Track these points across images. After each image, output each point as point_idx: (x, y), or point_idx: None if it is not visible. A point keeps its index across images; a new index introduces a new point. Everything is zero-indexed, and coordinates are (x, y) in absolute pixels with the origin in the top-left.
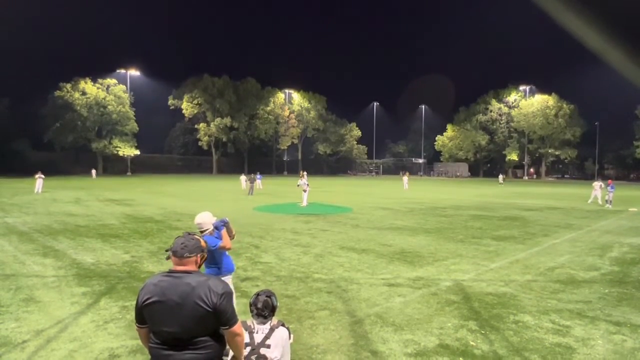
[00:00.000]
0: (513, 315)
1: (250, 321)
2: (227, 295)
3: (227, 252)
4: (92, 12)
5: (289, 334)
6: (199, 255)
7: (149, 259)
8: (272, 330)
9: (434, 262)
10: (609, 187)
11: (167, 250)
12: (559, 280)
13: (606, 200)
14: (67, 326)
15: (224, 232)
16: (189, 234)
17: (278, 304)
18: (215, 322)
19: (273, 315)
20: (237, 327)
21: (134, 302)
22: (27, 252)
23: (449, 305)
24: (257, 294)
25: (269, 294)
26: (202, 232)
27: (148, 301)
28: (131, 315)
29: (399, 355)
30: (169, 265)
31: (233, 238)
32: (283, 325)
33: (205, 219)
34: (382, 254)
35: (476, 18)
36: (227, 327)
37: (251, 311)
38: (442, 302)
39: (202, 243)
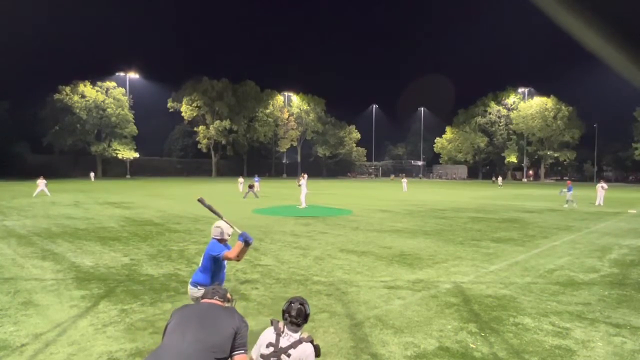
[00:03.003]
0: (513, 317)
1: (282, 324)
2: (247, 325)
3: (225, 265)
4: (92, 15)
5: (316, 352)
6: (225, 303)
7: (148, 262)
8: (299, 342)
9: (433, 264)
10: (567, 188)
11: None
12: (559, 282)
13: (567, 201)
14: (66, 330)
15: (238, 244)
16: (219, 284)
17: (310, 311)
18: (232, 343)
19: (305, 322)
20: (246, 357)
21: (133, 305)
22: (26, 255)
23: (449, 308)
24: (290, 302)
25: (302, 302)
26: (218, 240)
27: (177, 311)
28: (130, 318)
29: (398, 357)
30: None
31: (239, 259)
32: (312, 342)
33: (221, 229)
34: (382, 257)
35: (475, 20)
36: (241, 351)
37: (284, 319)
38: (442, 304)
39: (229, 296)
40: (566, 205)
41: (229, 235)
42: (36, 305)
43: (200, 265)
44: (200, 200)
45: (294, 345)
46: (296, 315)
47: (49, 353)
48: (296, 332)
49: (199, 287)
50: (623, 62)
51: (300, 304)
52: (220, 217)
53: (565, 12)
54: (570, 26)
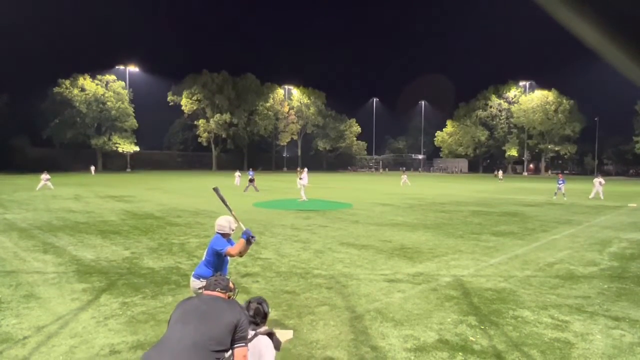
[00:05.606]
0: (512, 310)
1: None
2: (248, 318)
3: (228, 260)
4: (91, 8)
5: (276, 344)
6: (227, 294)
7: (149, 255)
8: (255, 336)
9: (433, 257)
10: (559, 181)
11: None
12: (558, 275)
13: (555, 193)
14: (68, 322)
15: (241, 241)
16: (221, 274)
17: (270, 310)
18: (232, 336)
19: (265, 321)
20: (246, 350)
21: (134, 298)
22: (27, 248)
23: (449, 301)
24: (249, 302)
25: (260, 301)
26: (222, 234)
27: (180, 304)
28: (131, 311)
29: (398, 350)
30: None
31: (242, 255)
32: (270, 334)
33: (225, 223)
34: (382, 250)
35: (476, 14)
36: (242, 344)
37: None
38: (442, 297)
39: (231, 285)
40: (555, 197)
41: (233, 230)
42: (38, 298)
43: (203, 258)
44: (215, 190)
45: (250, 339)
46: (254, 314)
47: (51, 345)
48: (255, 330)
49: (201, 280)
50: (624, 61)
51: (258, 303)
52: (230, 210)
53: (565, 10)
54: (570, 23)
